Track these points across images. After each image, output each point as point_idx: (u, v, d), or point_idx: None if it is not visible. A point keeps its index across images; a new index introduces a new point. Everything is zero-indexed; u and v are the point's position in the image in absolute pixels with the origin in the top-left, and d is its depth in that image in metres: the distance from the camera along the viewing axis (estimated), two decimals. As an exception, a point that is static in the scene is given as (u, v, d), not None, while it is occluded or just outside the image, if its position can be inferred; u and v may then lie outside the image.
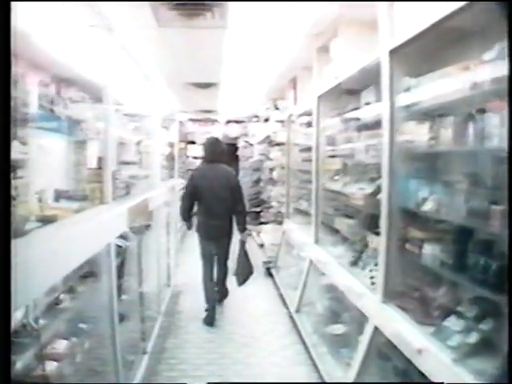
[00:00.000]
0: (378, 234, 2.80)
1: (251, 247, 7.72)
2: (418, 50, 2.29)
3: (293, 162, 5.37)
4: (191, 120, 12.24)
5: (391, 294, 2.43)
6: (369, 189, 2.91)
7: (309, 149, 4.42)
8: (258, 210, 8.70)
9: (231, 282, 4.45)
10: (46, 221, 1.38)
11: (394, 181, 2.38)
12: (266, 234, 7.16)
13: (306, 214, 4.84)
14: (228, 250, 4.32)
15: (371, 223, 3.02)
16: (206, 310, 4.14)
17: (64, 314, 1.70)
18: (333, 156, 3.77)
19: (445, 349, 1.85)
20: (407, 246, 2.39)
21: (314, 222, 3.94)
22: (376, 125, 2.88)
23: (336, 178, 3.78)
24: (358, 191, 3.08)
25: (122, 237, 2.93)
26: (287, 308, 4.39)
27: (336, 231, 3.76)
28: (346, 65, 3.37)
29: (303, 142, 4.91)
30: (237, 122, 12.08)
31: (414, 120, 2.40)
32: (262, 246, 7.38)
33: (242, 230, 4.24)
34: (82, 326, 1.91)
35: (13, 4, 1.04)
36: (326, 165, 3.82)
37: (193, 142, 12.32)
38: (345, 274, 3.10)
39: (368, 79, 3.03)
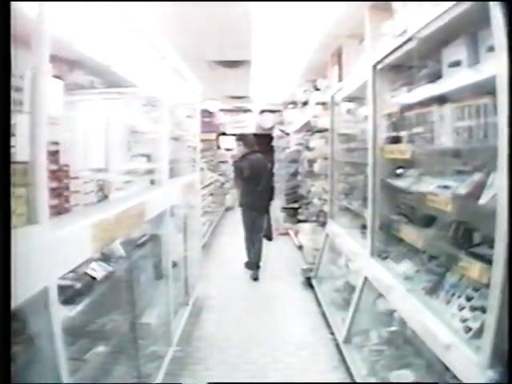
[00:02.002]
0: (476, 255, 1.89)
1: (288, 249, 6.88)
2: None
3: (338, 151, 4.43)
4: (222, 110, 11.44)
5: (505, 357, 1.55)
6: (460, 187, 1.97)
7: (359, 135, 3.52)
8: (295, 206, 7.81)
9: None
10: None
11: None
12: (305, 235, 6.25)
13: (355, 214, 3.91)
14: (263, 221, 5.46)
15: (462, 238, 2.09)
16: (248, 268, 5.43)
17: None
18: (395, 142, 2.82)
19: None
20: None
21: (369, 228, 3.02)
22: (473, 93, 1.96)
23: (399, 171, 2.85)
24: (439, 190, 2.15)
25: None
26: (332, 333, 3.51)
27: (398, 240, 2.85)
28: (417, 13, 2.43)
29: (352, 126, 3.97)
30: (271, 111, 11.20)
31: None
32: (300, 247, 6.51)
33: (269, 199, 5.61)
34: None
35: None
36: (387, 154, 2.87)
37: (224, 134, 11.54)
38: (418, 307, 2.21)
39: (454, 30, 2.10)
